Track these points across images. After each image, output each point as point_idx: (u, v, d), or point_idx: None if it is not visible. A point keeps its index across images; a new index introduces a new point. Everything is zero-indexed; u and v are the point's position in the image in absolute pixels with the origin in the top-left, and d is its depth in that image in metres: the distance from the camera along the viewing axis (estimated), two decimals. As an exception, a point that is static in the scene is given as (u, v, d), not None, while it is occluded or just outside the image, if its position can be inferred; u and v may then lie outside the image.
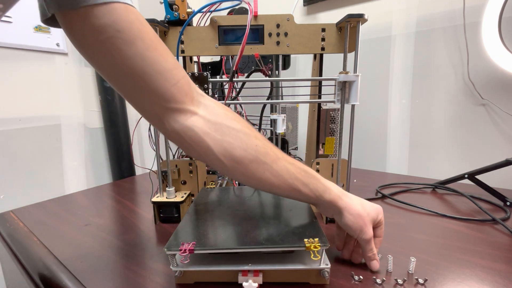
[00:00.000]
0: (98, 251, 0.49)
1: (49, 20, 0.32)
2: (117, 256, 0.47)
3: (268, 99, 0.65)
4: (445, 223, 0.56)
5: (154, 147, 0.59)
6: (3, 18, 0.77)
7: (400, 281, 0.38)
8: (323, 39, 0.55)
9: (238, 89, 0.70)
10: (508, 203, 0.63)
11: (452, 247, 0.47)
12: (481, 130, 0.83)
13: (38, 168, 0.89)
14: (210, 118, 0.36)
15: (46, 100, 0.90)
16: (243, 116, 0.72)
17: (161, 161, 0.60)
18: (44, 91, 0.90)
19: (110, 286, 0.39)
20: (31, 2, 0.33)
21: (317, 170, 0.61)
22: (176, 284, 0.39)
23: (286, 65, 0.87)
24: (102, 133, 1.04)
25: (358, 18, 0.50)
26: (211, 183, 0.68)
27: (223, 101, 0.56)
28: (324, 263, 0.38)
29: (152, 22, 0.51)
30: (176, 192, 0.62)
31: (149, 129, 0.59)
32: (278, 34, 0.55)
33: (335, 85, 0.54)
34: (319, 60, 0.60)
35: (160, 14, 0.54)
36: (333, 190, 0.40)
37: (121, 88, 0.35)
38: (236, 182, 0.66)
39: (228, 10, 0.64)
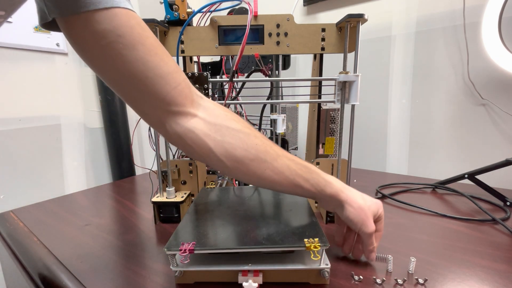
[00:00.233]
0: (98, 251, 0.49)
1: (49, 24, 0.33)
2: (117, 256, 0.47)
3: (268, 99, 0.65)
4: (445, 223, 0.56)
5: (154, 147, 0.59)
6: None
7: (400, 281, 0.38)
8: (323, 39, 0.55)
9: (238, 89, 0.70)
10: (508, 203, 0.63)
11: (452, 247, 0.47)
12: (481, 130, 0.83)
13: (38, 168, 0.89)
14: (210, 119, 0.37)
15: (46, 100, 0.90)
16: (243, 116, 0.72)
17: (161, 161, 0.60)
18: (44, 91, 0.90)
19: (110, 286, 0.39)
20: (31, 2, 0.33)
21: (317, 170, 0.61)
22: (176, 284, 0.39)
23: (286, 65, 0.87)
24: (102, 133, 1.04)
25: (358, 18, 0.50)
26: (211, 183, 0.68)
27: (223, 101, 0.56)
28: (324, 263, 0.38)
29: (152, 22, 0.51)
30: (176, 192, 0.62)
31: (149, 129, 0.59)
32: (278, 34, 0.55)
33: (335, 85, 0.54)
34: (319, 60, 0.60)
35: (160, 14, 0.54)
36: (334, 184, 0.40)
37: (122, 92, 0.35)
38: (236, 182, 0.66)
39: (228, 10, 0.64)
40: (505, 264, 0.42)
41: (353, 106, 0.55)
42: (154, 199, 0.59)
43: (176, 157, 0.75)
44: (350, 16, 0.50)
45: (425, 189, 0.77)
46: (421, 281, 0.38)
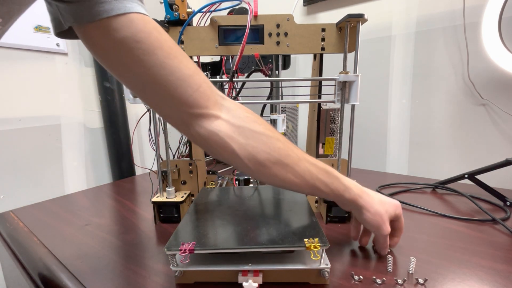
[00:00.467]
0: (98, 251, 0.49)
1: (64, 32, 0.33)
2: (117, 256, 0.47)
3: (268, 99, 0.65)
4: (445, 223, 0.56)
5: (154, 147, 0.59)
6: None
7: (400, 281, 0.38)
8: (323, 39, 0.55)
9: (238, 89, 0.70)
10: (508, 203, 0.63)
11: (452, 247, 0.47)
12: (481, 130, 0.83)
13: (38, 168, 0.89)
14: (233, 121, 0.37)
15: (46, 100, 0.90)
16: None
17: (161, 161, 0.60)
18: (44, 91, 0.90)
19: (110, 286, 0.39)
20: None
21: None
22: (176, 284, 0.39)
23: (286, 65, 0.87)
24: (102, 133, 1.04)
25: (358, 18, 0.50)
26: (211, 183, 0.68)
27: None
28: (324, 263, 0.38)
29: (152, 22, 0.51)
30: (176, 192, 0.62)
31: (149, 129, 0.59)
32: (278, 34, 0.55)
33: (335, 85, 0.54)
34: (319, 60, 0.60)
35: (160, 14, 0.54)
36: (353, 190, 0.42)
37: (144, 96, 0.35)
38: (236, 182, 0.66)
39: (228, 10, 0.64)
40: (505, 264, 0.42)
41: (353, 106, 0.55)
42: (154, 199, 0.59)
43: (176, 157, 0.75)
44: (350, 16, 0.50)
45: (425, 189, 0.77)
46: (421, 281, 0.38)
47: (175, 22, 0.55)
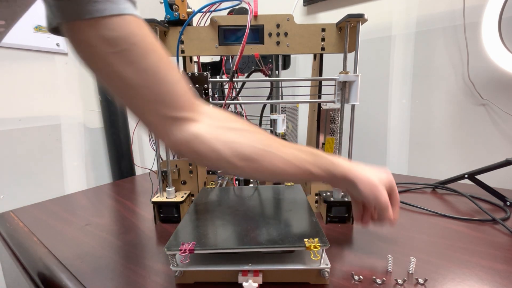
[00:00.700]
0: (98, 251, 0.49)
1: (55, 29, 0.33)
2: (117, 256, 0.47)
3: (268, 99, 0.65)
4: (445, 223, 0.56)
5: (154, 147, 0.58)
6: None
7: (400, 281, 0.38)
8: (323, 39, 0.55)
9: (238, 89, 0.70)
10: (508, 203, 0.63)
11: (452, 247, 0.47)
12: (481, 130, 0.83)
13: (38, 168, 0.89)
14: (214, 123, 0.37)
15: (46, 100, 0.90)
16: (243, 116, 0.72)
17: (161, 161, 0.60)
18: (44, 91, 0.90)
19: (110, 286, 0.39)
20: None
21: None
22: (176, 284, 0.39)
23: (286, 65, 0.87)
24: (102, 133, 1.04)
25: (358, 18, 0.50)
26: (211, 183, 0.68)
27: (223, 101, 0.56)
28: (324, 263, 0.38)
29: (152, 22, 0.51)
30: (176, 192, 0.62)
31: (149, 129, 0.59)
32: (278, 34, 0.55)
33: (335, 85, 0.54)
34: (319, 60, 0.60)
35: (160, 14, 0.54)
36: (341, 165, 0.41)
37: (127, 99, 0.34)
38: (236, 182, 0.66)
39: (228, 10, 0.64)
40: (505, 264, 0.42)
41: (353, 106, 0.55)
42: (154, 199, 0.59)
43: (176, 157, 0.75)
44: (350, 16, 0.50)
45: (425, 189, 0.77)
46: (421, 281, 0.38)
47: (175, 22, 0.55)
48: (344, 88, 0.53)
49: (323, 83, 0.60)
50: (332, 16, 1.07)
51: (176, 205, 0.59)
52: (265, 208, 0.50)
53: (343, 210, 0.56)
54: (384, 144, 1.02)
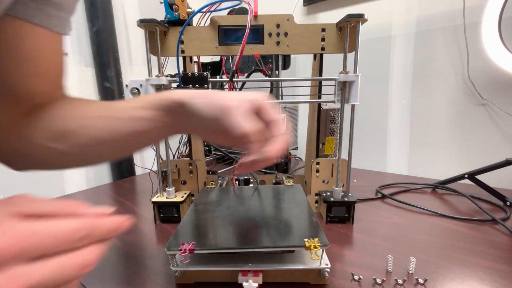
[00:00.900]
0: (98, 251, 0.49)
1: None
2: (117, 256, 0.47)
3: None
4: (445, 223, 0.56)
5: (154, 147, 0.58)
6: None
7: (400, 281, 0.38)
8: (323, 39, 0.55)
9: (238, 89, 0.70)
10: (508, 203, 0.63)
11: (452, 247, 0.47)
12: (481, 130, 0.83)
13: (38, 168, 0.89)
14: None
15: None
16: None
17: (161, 161, 0.60)
18: (44, 91, 0.89)
19: (110, 286, 0.39)
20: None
21: (317, 170, 0.61)
22: (176, 284, 0.39)
23: (286, 65, 0.87)
24: (102, 133, 1.04)
25: (358, 18, 0.50)
26: (211, 183, 0.68)
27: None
28: (324, 263, 0.38)
29: (152, 22, 0.51)
30: (176, 192, 0.62)
31: (149, 129, 0.59)
32: (278, 34, 0.55)
33: (335, 85, 0.54)
34: (319, 60, 0.60)
35: (160, 14, 0.54)
36: (173, 92, 0.33)
37: None
38: (236, 182, 0.66)
39: (228, 10, 0.64)
40: (505, 264, 0.42)
41: (353, 106, 0.55)
42: (154, 199, 0.59)
43: (176, 157, 0.75)
44: (350, 16, 0.50)
45: (425, 189, 0.77)
46: (421, 281, 0.38)
47: (175, 22, 0.55)
48: (344, 88, 0.53)
49: (323, 83, 0.60)
50: (332, 16, 1.07)
51: (176, 205, 0.59)
52: (265, 208, 0.50)
53: (343, 210, 0.56)
54: (384, 144, 1.02)
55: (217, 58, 0.96)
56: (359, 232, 0.53)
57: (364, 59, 0.99)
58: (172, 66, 0.57)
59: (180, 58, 0.56)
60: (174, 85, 0.54)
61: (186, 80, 0.52)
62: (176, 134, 0.37)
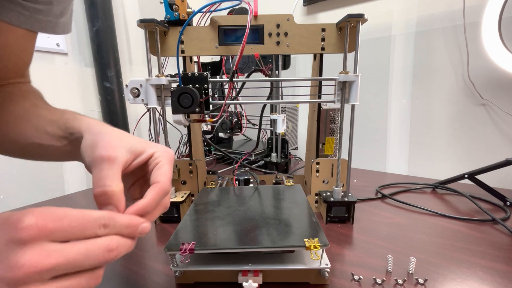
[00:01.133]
0: (98, 251, 0.49)
1: None
2: (117, 256, 0.47)
3: (268, 99, 0.65)
4: (445, 223, 0.56)
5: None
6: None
7: (400, 281, 0.38)
8: (323, 39, 0.55)
9: (238, 89, 0.70)
10: (508, 203, 0.63)
11: (452, 247, 0.47)
12: (481, 130, 0.83)
13: (38, 168, 0.89)
14: None
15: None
16: (243, 116, 0.72)
17: (161, 161, 0.60)
18: (44, 91, 0.89)
19: (110, 286, 0.39)
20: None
21: (317, 170, 0.61)
22: (176, 284, 0.39)
23: (286, 65, 0.87)
24: (102, 133, 1.04)
25: (358, 18, 0.50)
26: (211, 183, 0.68)
27: (223, 101, 0.56)
28: (324, 263, 0.38)
29: (152, 22, 0.51)
30: (176, 192, 0.62)
31: (149, 129, 0.59)
32: (278, 34, 0.55)
33: (335, 85, 0.54)
34: (319, 60, 0.60)
35: (160, 14, 0.54)
36: (83, 118, 0.34)
37: None
38: (236, 182, 0.66)
39: (228, 10, 0.64)
40: (505, 264, 0.42)
41: (353, 106, 0.55)
42: (154, 199, 0.59)
43: (176, 157, 0.75)
44: (350, 16, 0.50)
45: (425, 189, 0.77)
46: (421, 281, 0.38)
47: (175, 22, 0.55)
48: (344, 88, 0.53)
49: (323, 83, 0.60)
50: (332, 16, 1.07)
51: (176, 205, 0.59)
52: (265, 208, 0.50)
53: (343, 210, 0.56)
54: (384, 144, 1.02)
55: (217, 58, 0.97)
56: (359, 232, 0.53)
57: (364, 59, 0.99)
58: (172, 66, 0.57)
59: (180, 58, 0.56)
60: (174, 85, 0.54)
61: (186, 80, 0.52)
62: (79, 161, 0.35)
